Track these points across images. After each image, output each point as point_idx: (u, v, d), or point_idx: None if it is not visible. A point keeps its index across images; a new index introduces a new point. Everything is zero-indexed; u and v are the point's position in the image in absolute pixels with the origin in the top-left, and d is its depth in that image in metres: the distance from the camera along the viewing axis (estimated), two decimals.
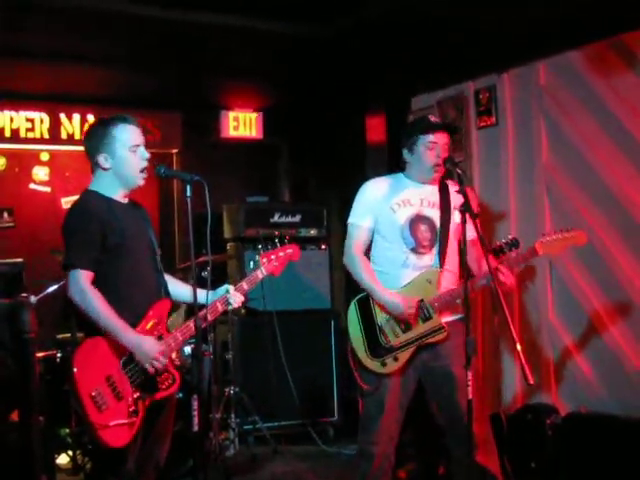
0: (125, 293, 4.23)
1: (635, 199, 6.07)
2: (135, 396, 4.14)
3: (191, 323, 4.28)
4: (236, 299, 4.47)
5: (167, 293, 4.45)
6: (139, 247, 4.33)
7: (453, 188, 4.88)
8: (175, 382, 4.28)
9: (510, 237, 4.97)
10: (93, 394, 4.04)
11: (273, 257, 4.68)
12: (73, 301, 4.14)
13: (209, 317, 4.39)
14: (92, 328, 4.15)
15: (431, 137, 4.89)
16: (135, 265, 4.29)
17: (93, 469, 4.75)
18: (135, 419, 4.12)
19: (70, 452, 6.21)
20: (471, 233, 4.60)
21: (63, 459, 6.28)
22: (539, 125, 6.77)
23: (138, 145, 4.34)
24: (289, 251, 4.74)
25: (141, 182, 4.37)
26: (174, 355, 6.58)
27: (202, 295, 4.37)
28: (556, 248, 4.80)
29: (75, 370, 4.05)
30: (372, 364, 4.85)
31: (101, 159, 4.28)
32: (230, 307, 4.46)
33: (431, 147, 4.88)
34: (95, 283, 4.16)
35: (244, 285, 4.58)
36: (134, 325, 4.20)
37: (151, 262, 4.40)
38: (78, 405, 4.07)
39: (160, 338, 4.27)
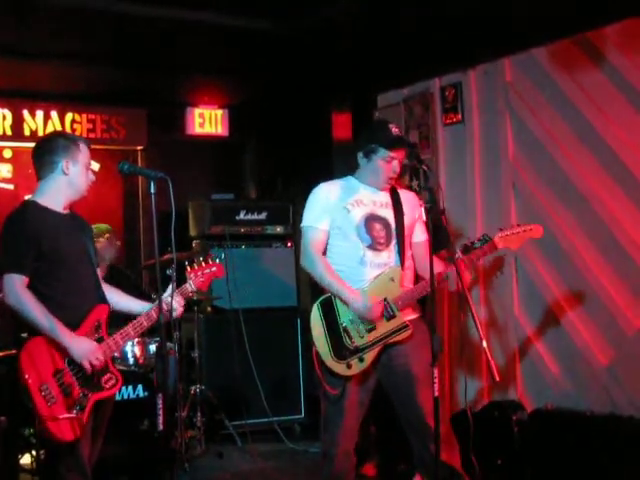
0: (64, 299, 4.35)
1: (600, 195, 6.10)
2: (81, 393, 4.29)
3: (130, 327, 4.48)
4: (178, 307, 4.57)
5: (105, 299, 4.57)
6: (75, 254, 4.45)
7: (403, 194, 5.04)
8: (118, 382, 4.46)
9: (481, 235, 5.03)
10: (42, 388, 4.20)
11: (200, 273, 4.78)
12: (9, 305, 4.26)
13: (145, 323, 4.51)
14: (32, 328, 4.29)
15: (390, 152, 4.87)
16: (72, 271, 4.41)
17: (46, 463, 4.84)
18: (82, 416, 4.27)
19: (34, 452, 6.15)
20: (422, 235, 4.85)
21: (27, 459, 6.22)
22: (505, 122, 6.79)
23: (90, 166, 4.58)
24: (214, 269, 4.83)
25: (84, 195, 4.58)
26: (138, 353, 6.60)
27: (142, 305, 4.66)
28: (514, 241, 4.85)
29: (23, 365, 4.22)
30: (338, 367, 4.78)
31: (64, 164, 4.45)
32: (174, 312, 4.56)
33: (389, 161, 4.86)
34: (34, 290, 4.27)
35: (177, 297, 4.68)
36: (74, 329, 4.31)
37: (89, 270, 4.53)
38: (28, 400, 4.20)
39: (101, 340, 4.41)
